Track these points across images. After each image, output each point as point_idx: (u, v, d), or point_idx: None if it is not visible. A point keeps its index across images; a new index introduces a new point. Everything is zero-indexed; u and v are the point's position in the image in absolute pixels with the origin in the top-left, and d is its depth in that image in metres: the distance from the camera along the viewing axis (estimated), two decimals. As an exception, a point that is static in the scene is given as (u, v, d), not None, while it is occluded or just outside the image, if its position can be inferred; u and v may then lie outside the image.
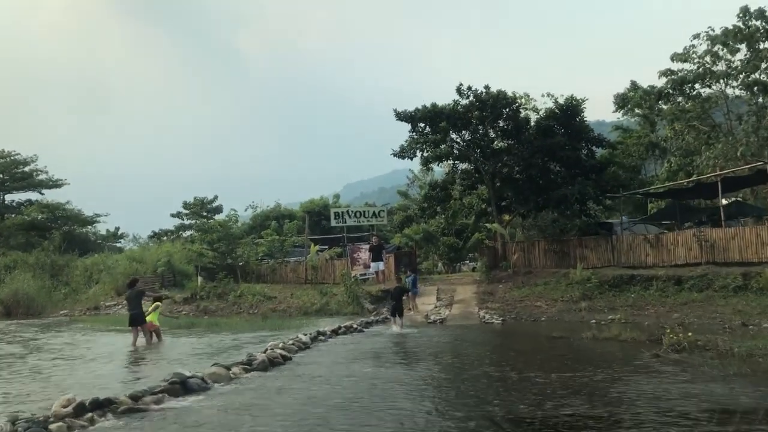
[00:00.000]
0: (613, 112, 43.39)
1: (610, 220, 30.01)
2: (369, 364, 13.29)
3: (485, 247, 31.34)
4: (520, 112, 28.69)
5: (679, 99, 36.84)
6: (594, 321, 20.23)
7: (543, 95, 32.15)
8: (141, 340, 18.41)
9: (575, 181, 27.89)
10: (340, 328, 19.63)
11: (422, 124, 29.73)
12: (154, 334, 18.80)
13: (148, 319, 18.92)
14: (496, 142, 30.21)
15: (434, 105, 29.00)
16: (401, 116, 29.47)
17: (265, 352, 14.13)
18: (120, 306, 35.30)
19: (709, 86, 34.78)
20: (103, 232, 66.41)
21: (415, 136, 29.71)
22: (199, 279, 36.02)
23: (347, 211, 30.87)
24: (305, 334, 17.56)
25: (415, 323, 22.35)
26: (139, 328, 18.57)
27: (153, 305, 19.37)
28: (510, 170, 30.21)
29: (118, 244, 65.79)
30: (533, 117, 29.59)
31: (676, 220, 29.25)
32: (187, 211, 56.71)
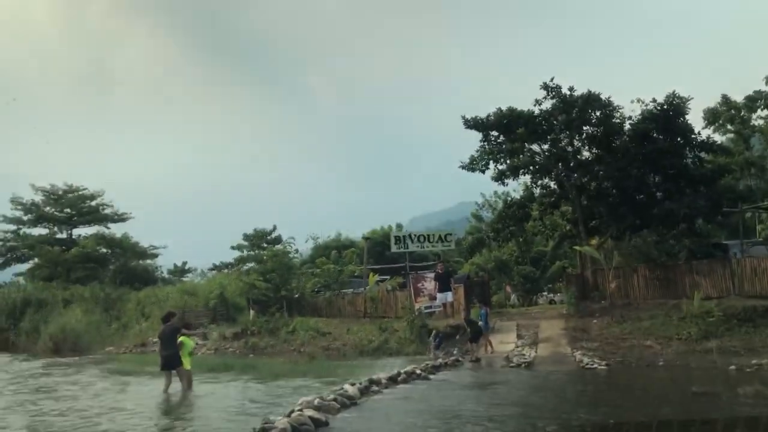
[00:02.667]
0: (703, 128, 37.65)
1: (724, 241, 24.37)
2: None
3: (572, 276, 26.07)
4: (613, 116, 23.64)
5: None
6: (734, 367, 14.90)
7: (633, 101, 27.05)
8: (175, 385, 14.31)
9: (682, 195, 22.55)
10: (399, 374, 14.97)
11: (495, 132, 25.07)
12: (185, 378, 14.80)
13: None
14: (582, 152, 25.21)
15: (511, 109, 24.33)
16: (471, 123, 24.91)
17: (289, 416, 9.64)
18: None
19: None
20: (171, 267, 64.08)
21: (487, 147, 25.02)
22: (251, 312, 32.09)
23: (410, 236, 26.25)
24: (354, 384, 13.02)
25: (492, 367, 17.45)
26: (173, 372, 14.49)
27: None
28: (600, 184, 25.07)
29: (185, 279, 63.23)
30: (626, 122, 24.44)
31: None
32: (246, 243, 53.29)
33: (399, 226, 62.49)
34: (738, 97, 34.66)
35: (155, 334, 34.15)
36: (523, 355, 18.52)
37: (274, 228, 55.27)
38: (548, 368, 16.59)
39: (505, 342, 20.99)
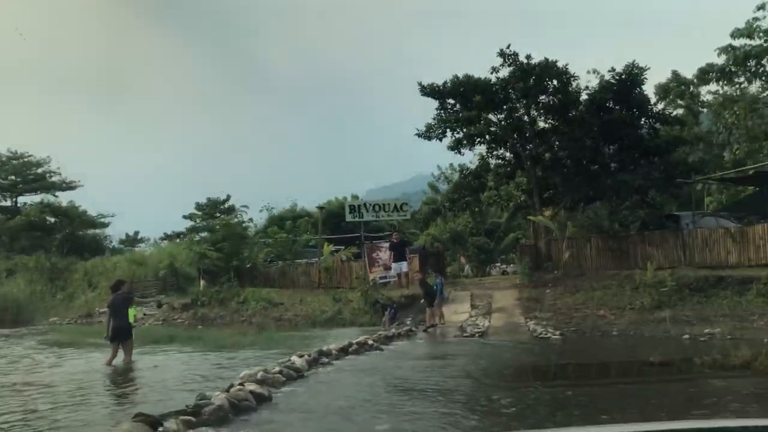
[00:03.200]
0: (654, 104, 37.64)
1: (676, 213, 24.30)
2: (389, 412, 8.05)
3: (526, 246, 25.78)
4: (570, 85, 23.17)
5: (742, 79, 31.20)
6: (687, 336, 14.77)
7: (588, 71, 26.76)
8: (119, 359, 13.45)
9: (636, 166, 22.33)
10: (350, 345, 14.35)
11: (452, 100, 24.40)
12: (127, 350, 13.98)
13: None
14: (538, 122, 24.77)
15: (467, 76, 23.66)
16: (427, 90, 24.18)
17: (228, 391, 8.92)
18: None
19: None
20: (123, 237, 62.23)
21: (444, 115, 24.35)
22: (202, 283, 31.08)
23: (365, 205, 25.55)
24: (302, 355, 12.37)
25: (446, 337, 17.02)
26: (120, 344, 13.62)
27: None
28: (555, 155, 24.70)
29: (137, 249, 61.41)
30: (583, 93, 24.04)
31: (758, 212, 23.46)
32: (199, 213, 51.81)
33: (355, 197, 61.71)
34: (690, 73, 34.66)
35: (102, 304, 32.99)
36: (477, 325, 18.13)
37: (228, 197, 53.90)
38: (502, 338, 16.22)
39: (459, 312, 20.60)
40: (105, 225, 56.01)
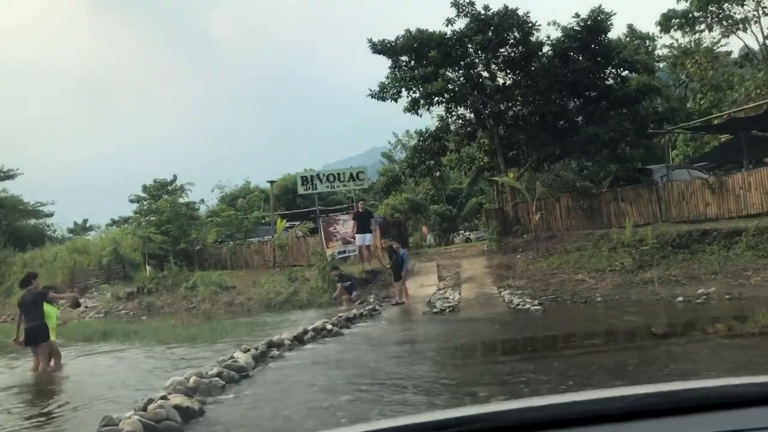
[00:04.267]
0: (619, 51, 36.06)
1: (648, 166, 22.75)
2: (353, 420, 6.11)
3: (492, 210, 23.99)
4: (531, 35, 21.25)
5: (702, 26, 29.81)
6: (681, 299, 13.14)
7: (549, 24, 24.89)
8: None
9: (605, 118, 20.63)
10: (305, 332, 12.33)
11: (405, 57, 22.27)
12: (51, 355, 11.76)
13: None
14: (499, 78, 22.85)
15: (420, 30, 21.56)
16: (378, 48, 22.03)
17: (145, 409, 6.88)
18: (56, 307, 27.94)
19: (742, 4, 27.64)
20: (71, 225, 58.74)
21: (398, 74, 22.21)
22: (148, 269, 28.60)
23: (318, 176, 23.32)
24: (247, 350, 10.35)
25: (414, 315, 15.13)
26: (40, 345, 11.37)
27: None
28: (518, 111, 22.86)
29: (88, 237, 58.01)
30: (545, 43, 22.15)
31: (732, 160, 22.09)
32: (146, 195, 48.74)
33: (310, 170, 59.20)
34: (647, 22, 33.21)
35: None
36: (447, 298, 16.26)
37: (175, 178, 50.65)
38: (476, 312, 14.39)
39: (425, 285, 18.74)
40: (47, 215, 52.66)
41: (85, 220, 61.30)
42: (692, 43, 32.29)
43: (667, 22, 28.48)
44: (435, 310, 15.15)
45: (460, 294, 16.69)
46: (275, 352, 10.94)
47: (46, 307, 11.90)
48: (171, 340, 13.98)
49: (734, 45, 32.80)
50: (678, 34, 30.54)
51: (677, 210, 19.98)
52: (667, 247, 16.84)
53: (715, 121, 21.65)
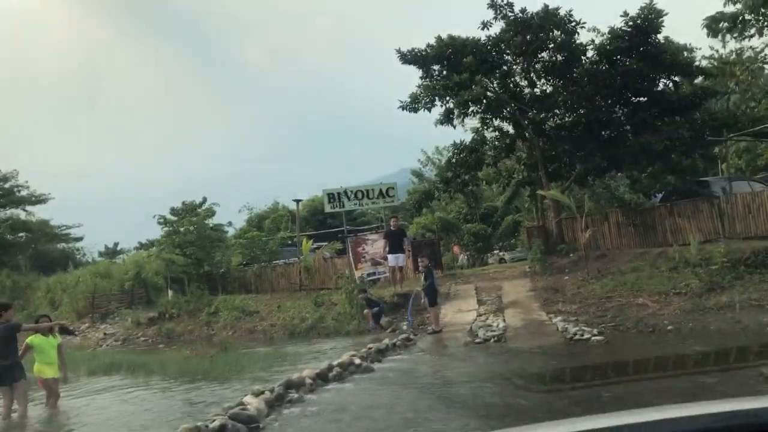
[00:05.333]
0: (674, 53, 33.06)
1: (706, 178, 20.52)
2: None
3: (534, 228, 21.88)
4: (575, 35, 19.30)
5: (752, 31, 27.46)
6: (772, 327, 10.92)
7: (588, 30, 22.86)
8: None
9: (658, 125, 18.54)
10: (330, 368, 10.46)
11: (437, 66, 20.48)
12: (48, 392, 10.20)
13: (35, 370, 9.96)
14: (539, 85, 20.90)
15: (452, 37, 19.78)
16: (408, 57, 20.26)
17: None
18: (76, 333, 26.52)
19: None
20: (102, 248, 58.04)
21: (430, 83, 20.40)
22: (170, 293, 27.08)
23: (345, 192, 21.50)
24: (261, 392, 8.55)
25: (454, 345, 13.11)
26: (14, 386, 9.53)
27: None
28: (561, 120, 20.86)
29: (114, 261, 57.07)
30: (589, 47, 20.12)
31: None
32: (174, 218, 47.47)
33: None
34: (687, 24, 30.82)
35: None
36: (490, 326, 14.22)
37: (204, 200, 49.55)
38: (526, 343, 12.34)
39: (464, 310, 16.71)
40: (76, 238, 51.80)
41: (116, 244, 60.60)
42: (735, 51, 29.98)
43: (715, 24, 26.22)
44: (478, 340, 13.14)
45: (504, 321, 14.62)
46: (293, 394, 9.08)
47: (39, 339, 10.20)
48: (180, 375, 12.20)
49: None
50: (719, 43, 28.11)
51: (742, 225, 17.73)
52: (740, 267, 14.60)
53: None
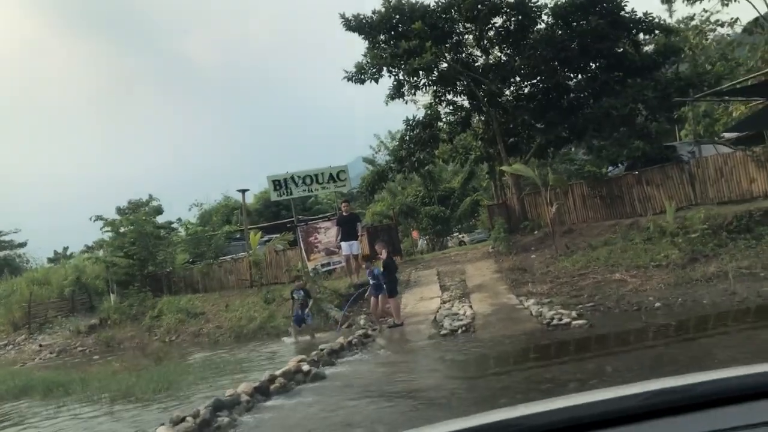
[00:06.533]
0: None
1: (671, 143, 19.15)
2: None
3: (495, 206, 20.24)
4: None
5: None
6: (775, 298, 9.46)
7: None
8: None
9: (621, 89, 17.07)
10: (272, 379, 8.61)
11: (384, 36, 18.62)
12: None
13: None
14: (493, 53, 19.23)
15: (400, 1, 17.88)
16: (353, 24, 18.32)
17: None
18: (11, 346, 24.05)
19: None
20: (51, 255, 54.58)
21: (377, 52, 18.51)
22: (112, 298, 24.72)
23: (292, 178, 19.46)
24: (181, 420, 6.66)
25: (417, 338, 11.36)
26: None
27: None
28: (518, 90, 19.24)
29: (56, 266, 53.74)
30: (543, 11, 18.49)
31: (758, 131, 18.56)
32: (118, 217, 44.57)
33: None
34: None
35: (-4, 337, 26.40)
36: (456, 314, 12.52)
37: (151, 197, 46.79)
38: (498, 332, 10.65)
39: (426, 297, 14.99)
40: (18, 244, 48.43)
41: (65, 248, 57.15)
42: (683, 20, 28.95)
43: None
44: (444, 331, 11.42)
45: (471, 308, 12.94)
46: (223, 418, 7.19)
47: None
48: (100, 395, 10.13)
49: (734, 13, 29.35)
50: (666, 13, 27.02)
51: (715, 190, 16.42)
52: (722, 233, 13.22)
53: (750, 82, 18.05)
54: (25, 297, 27.14)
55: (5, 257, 46.32)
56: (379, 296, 13.28)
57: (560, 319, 10.54)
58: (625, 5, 17.51)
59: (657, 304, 10.65)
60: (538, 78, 18.43)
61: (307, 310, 14.08)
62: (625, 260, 13.80)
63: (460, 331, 11.25)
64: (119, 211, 45.89)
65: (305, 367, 9.19)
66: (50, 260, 53.39)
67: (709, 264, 12.11)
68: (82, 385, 11.30)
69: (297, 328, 14.03)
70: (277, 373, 8.79)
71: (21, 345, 23.61)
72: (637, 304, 10.98)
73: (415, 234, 33.90)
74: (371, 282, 13.52)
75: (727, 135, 23.92)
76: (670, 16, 27.86)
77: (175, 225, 36.99)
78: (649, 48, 18.73)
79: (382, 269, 13.32)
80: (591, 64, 18.23)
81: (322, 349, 10.54)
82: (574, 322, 10.25)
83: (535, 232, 18.09)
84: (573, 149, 23.04)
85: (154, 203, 44.43)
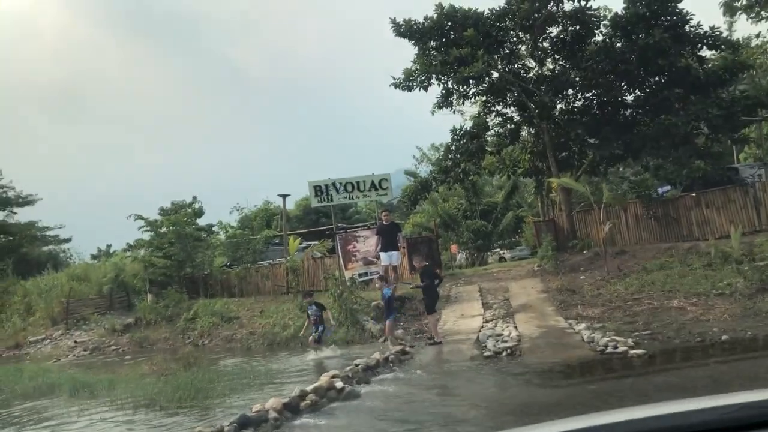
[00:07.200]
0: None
1: (733, 165, 18.04)
2: None
3: (542, 222, 19.32)
4: (588, 7, 16.78)
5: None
6: None
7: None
8: None
9: (684, 104, 16.05)
10: (303, 395, 7.96)
11: (434, 43, 17.97)
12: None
13: None
14: (547, 64, 18.42)
15: (453, 7, 17.25)
16: (404, 29, 17.75)
17: None
18: (48, 341, 24.05)
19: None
20: (94, 251, 55.45)
21: (426, 60, 17.88)
22: (149, 297, 24.56)
23: (334, 184, 18.94)
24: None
25: (459, 359, 10.58)
26: None
27: None
28: (571, 103, 18.37)
29: (96, 263, 54.35)
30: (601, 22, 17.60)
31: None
32: (159, 218, 44.76)
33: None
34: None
35: (36, 330, 26.48)
36: (500, 335, 11.70)
37: (194, 199, 46.98)
38: (547, 357, 9.81)
39: (467, 315, 14.21)
40: (62, 240, 49.04)
41: (109, 246, 57.93)
42: (746, 38, 27.56)
43: (735, 0, 23.66)
44: (487, 352, 10.62)
45: (516, 329, 12.11)
46: (248, 438, 6.57)
47: None
48: (124, 400, 9.64)
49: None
50: (726, 31, 25.50)
51: (783, 216, 15.27)
52: (794, 263, 12.14)
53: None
54: (65, 292, 27.27)
55: (50, 252, 46.94)
56: (387, 321, 12.60)
57: (615, 347, 9.65)
58: (690, 19, 16.51)
59: (723, 337, 9.66)
60: (594, 91, 17.55)
61: (323, 326, 13.28)
62: (684, 286, 12.80)
63: (504, 353, 10.44)
64: (162, 211, 46.29)
65: (339, 384, 8.52)
66: (93, 257, 54.12)
67: (778, 295, 11.07)
68: (109, 388, 10.87)
69: (317, 346, 13.13)
70: (309, 389, 8.14)
71: (57, 340, 23.59)
72: (700, 335, 10.00)
73: (454, 248, 33.07)
74: (382, 303, 12.88)
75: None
76: (731, 35, 26.50)
77: (215, 228, 36.95)
78: (719, 58, 17.58)
79: (419, 282, 12.64)
80: (650, 78, 17.22)
81: (357, 365, 9.87)
82: (631, 351, 9.33)
83: (585, 251, 17.14)
84: (621, 168, 21.95)
85: (197, 205, 44.59)
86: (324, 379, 8.66)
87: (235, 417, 6.97)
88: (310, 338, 13.40)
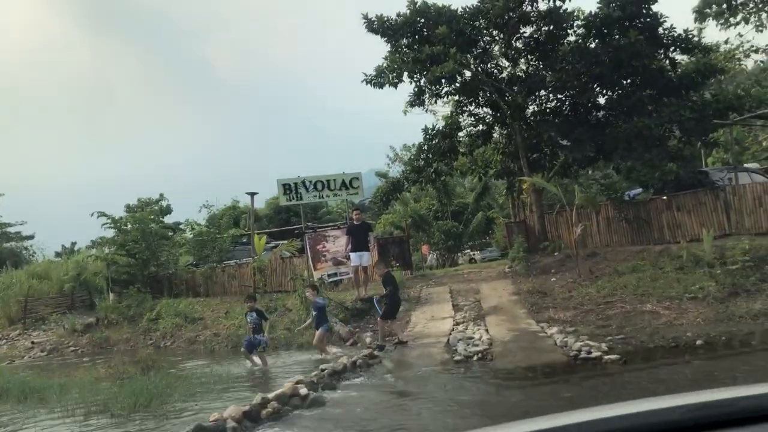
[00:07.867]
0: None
1: (704, 168, 17.99)
2: None
3: (514, 224, 19.08)
4: (562, 8, 16.56)
5: (738, 17, 25.26)
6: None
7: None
8: None
9: (655, 108, 15.94)
10: (264, 403, 7.51)
11: (407, 40, 17.60)
12: None
13: None
14: (520, 64, 18.17)
15: (426, 3, 16.89)
16: (375, 25, 17.33)
17: None
18: (4, 341, 23.09)
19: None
20: (59, 249, 53.85)
21: (398, 56, 17.50)
22: (111, 296, 23.75)
23: (303, 183, 18.42)
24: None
25: (428, 364, 10.18)
26: None
27: None
28: (544, 104, 18.15)
29: (57, 260, 52.80)
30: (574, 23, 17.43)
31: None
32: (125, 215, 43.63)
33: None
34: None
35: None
36: (471, 338, 11.36)
37: (161, 196, 45.88)
38: (519, 362, 9.47)
39: (437, 317, 13.85)
40: (26, 237, 47.57)
41: (73, 243, 56.38)
42: (715, 44, 27.79)
43: (706, 6, 23.78)
44: (457, 356, 10.26)
45: (487, 331, 11.77)
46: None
47: None
48: (75, 406, 9.04)
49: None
50: (707, 30, 25.77)
51: (752, 220, 15.26)
52: (765, 267, 12.03)
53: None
54: (24, 291, 26.25)
55: (11, 249, 45.46)
56: (319, 330, 12.09)
57: (589, 352, 9.37)
58: (664, 21, 16.40)
59: (698, 342, 9.44)
60: (567, 92, 17.35)
61: (262, 334, 12.13)
62: (656, 290, 12.61)
63: (475, 357, 10.09)
64: (128, 208, 45.15)
65: (303, 390, 8.07)
66: (57, 254, 52.62)
67: (753, 300, 10.92)
68: (60, 393, 10.24)
69: (248, 354, 12.07)
70: (271, 396, 7.69)
71: (14, 341, 22.70)
72: (674, 340, 9.76)
73: (425, 249, 32.78)
74: (313, 313, 12.34)
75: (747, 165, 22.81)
76: (700, 41, 26.74)
77: (182, 226, 36.09)
78: (691, 62, 17.49)
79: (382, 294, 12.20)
80: (624, 80, 17.08)
81: (323, 370, 9.43)
82: (606, 357, 9.05)
83: (556, 253, 16.93)
84: (591, 171, 21.86)
85: (164, 203, 43.52)
86: (287, 386, 8.21)
87: (190, 427, 6.50)
88: (242, 348, 12.39)
